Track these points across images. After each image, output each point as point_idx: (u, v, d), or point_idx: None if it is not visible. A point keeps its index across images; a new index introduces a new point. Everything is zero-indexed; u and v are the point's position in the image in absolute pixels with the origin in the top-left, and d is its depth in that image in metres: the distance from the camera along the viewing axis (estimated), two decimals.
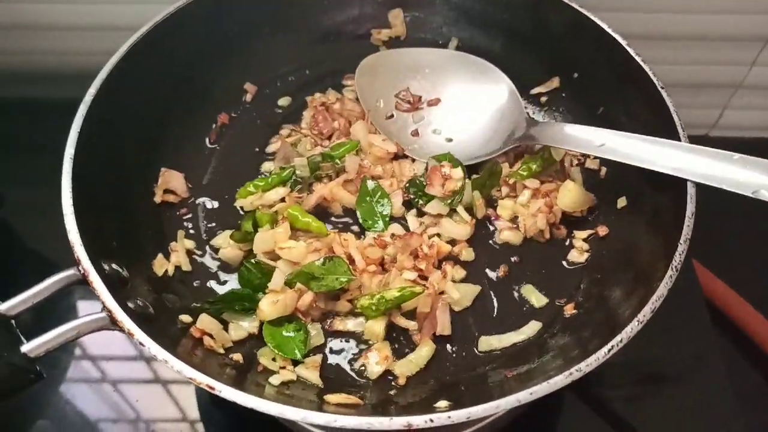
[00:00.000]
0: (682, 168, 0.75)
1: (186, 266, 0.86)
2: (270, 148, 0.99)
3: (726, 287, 1.10)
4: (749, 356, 1.05)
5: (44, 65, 1.32)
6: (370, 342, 0.80)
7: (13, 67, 1.32)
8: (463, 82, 1.00)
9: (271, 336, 0.78)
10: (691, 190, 0.76)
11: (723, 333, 1.06)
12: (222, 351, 0.78)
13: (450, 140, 0.97)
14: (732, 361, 1.00)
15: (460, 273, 0.86)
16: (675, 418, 0.92)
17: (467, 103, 0.99)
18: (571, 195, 0.88)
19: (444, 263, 0.86)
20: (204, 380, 0.63)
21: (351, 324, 0.81)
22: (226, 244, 0.88)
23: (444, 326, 0.80)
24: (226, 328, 0.80)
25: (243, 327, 0.80)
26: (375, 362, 0.78)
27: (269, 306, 0.78)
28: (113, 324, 0.66)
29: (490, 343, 0.81)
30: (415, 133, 0.98)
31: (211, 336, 0.77)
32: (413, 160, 0.95)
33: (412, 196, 0.90)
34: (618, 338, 0.66)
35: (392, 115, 0.99)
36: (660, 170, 0.77)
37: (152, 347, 0.64)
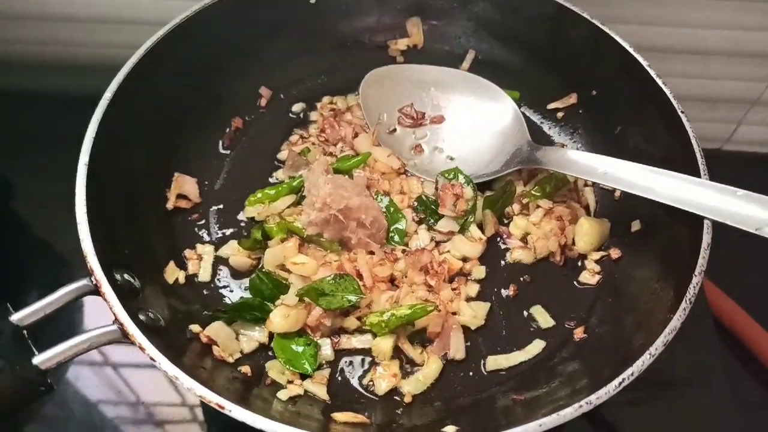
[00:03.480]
0: (684, 200, 0.75)
1: (205, 275, 0.86)
2: (281, 155, 0.99)
3: (734, 305, 1.09)
4: (751, 367, 1.04)
5: (63, 57, 1.30)
6: (378, 359, 0.80)
7: (30, 57, 1.31)
8: (468, 102, 1.00)
9: (281, 350, 0.78)
10: (708, 221, 0.76)
11: (726, 343, 1.05)
12: (232, 360, 0.78)
13: (452, 159, 0.96)
14: (734, 372, 0.99)
15: (474, 289, 0.86)
16: (673, 425, 0.91)
17: (471, 123, 0.98)
18: (588, 238, 0.88)
19: (456, 280, 0.86)
20: (214, 399, 0.63)
21: (359, 342, 0.81)
22: (235, 251, 0.88)
23: (458, 350, 0.80)
24: (236, 338, 0.80)
25: (253, 337, 0.80)
26: (383, 379, 0.78)
27: (281, 319, 0.78)
28: (125, 337, 0.66)
29: (498, 362, 0.81)
30: (417, 150, 0.98)
31: (217, 345, 0.78)
32: (422, 180, 0.94)
33: (422, 215, 0.90)
34: (629, 371, 0.66)
35: (394, 130, 0.99)
36: (662, 201, 0.76)
37: (163, 363, 0.64)
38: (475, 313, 0.83)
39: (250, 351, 0.80)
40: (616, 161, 0.82)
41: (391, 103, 1.01)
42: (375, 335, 0.80)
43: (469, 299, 0.85)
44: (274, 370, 0.78)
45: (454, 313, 0.83)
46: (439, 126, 0.99)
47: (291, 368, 0.77)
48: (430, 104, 1.01)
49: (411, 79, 1.02)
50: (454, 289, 0.85)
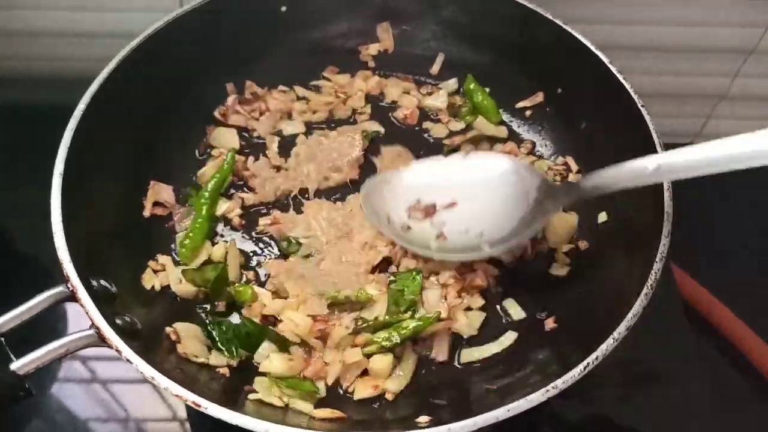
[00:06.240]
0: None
1: (176, 285, 0.86)
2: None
3: (707, 294, 1.11)
4: (728, 357, 1.05)
5: (37, 70, 1.32)
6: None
7: (4, 71, 1.32)
8: (473, 179, 0.88)
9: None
10: (668, 209, 0.78)
11: (702, 334, 1.06)
12: (199, 361, 0.78)
13: (482, 234, 0.85)
14: (711, 362, 1.02)
15: (478, 302, 0.87)
16: (656, 417, 0.93)
17: (485, 196, 0.87)
18: (557, 232, 0.91)
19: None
20: (190, 397, 0.64)
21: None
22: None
23: (440, 351, 0.82)
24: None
25: (223, 360, 0.79)
26: (364, 388, 0.79)
27: (282, 362, 0.78)
28: (101, 341, 0.68)
29: (471, 354, 0.83)
30: (442, 237, 0.87)
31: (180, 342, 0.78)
32: None
33: None
34: (593, 356, 0.68)
35: (409, 227, 0.89)
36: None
37: (140, 365, 0.66)
38: (470, 322, 0.85)
39: (217, 365, 0.79)
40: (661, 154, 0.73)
41: (396, 205, 0.91)
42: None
43: (467, 309, 0.86)
44: (260, 385, 0.76)
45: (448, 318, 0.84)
46: (455, 210, 0.87)
47: (294, 389, 0.75)
48: (437, 194, 0.89)
49: (407, 181, 0.92)
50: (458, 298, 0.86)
